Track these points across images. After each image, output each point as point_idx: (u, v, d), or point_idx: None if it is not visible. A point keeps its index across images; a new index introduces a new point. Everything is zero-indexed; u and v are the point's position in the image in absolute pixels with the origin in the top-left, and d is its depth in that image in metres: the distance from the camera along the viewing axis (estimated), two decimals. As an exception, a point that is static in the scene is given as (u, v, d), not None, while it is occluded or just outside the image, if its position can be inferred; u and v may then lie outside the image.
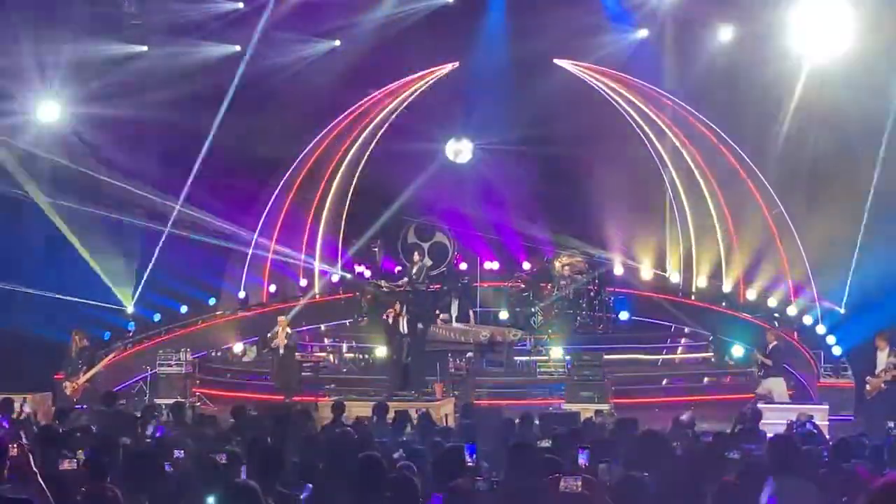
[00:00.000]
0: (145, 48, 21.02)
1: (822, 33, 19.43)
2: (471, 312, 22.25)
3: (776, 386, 17.79)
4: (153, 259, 21.27)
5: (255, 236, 23.55)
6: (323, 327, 23.65)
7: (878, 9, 18.55)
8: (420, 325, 19.36)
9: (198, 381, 20.92)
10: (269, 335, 19.85)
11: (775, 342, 18.27)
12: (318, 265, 24.35)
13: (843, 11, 19.02)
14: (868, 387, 17.32)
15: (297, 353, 19.99)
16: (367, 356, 21.96)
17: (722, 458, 9.21)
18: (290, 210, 24.10)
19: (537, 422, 14.08)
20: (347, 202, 24.74)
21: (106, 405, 14.73)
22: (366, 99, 23.90)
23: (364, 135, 24.34)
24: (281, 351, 19.31)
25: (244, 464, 8.62)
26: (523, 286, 23.24)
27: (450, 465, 7.62)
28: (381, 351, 21.40)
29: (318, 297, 24.15)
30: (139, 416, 13.78)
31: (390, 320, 18.89)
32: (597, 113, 22.88)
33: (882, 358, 17.32)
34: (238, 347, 22.58)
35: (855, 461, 9.55)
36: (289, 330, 19.48)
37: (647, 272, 23.99)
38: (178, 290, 22.47)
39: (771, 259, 22.26)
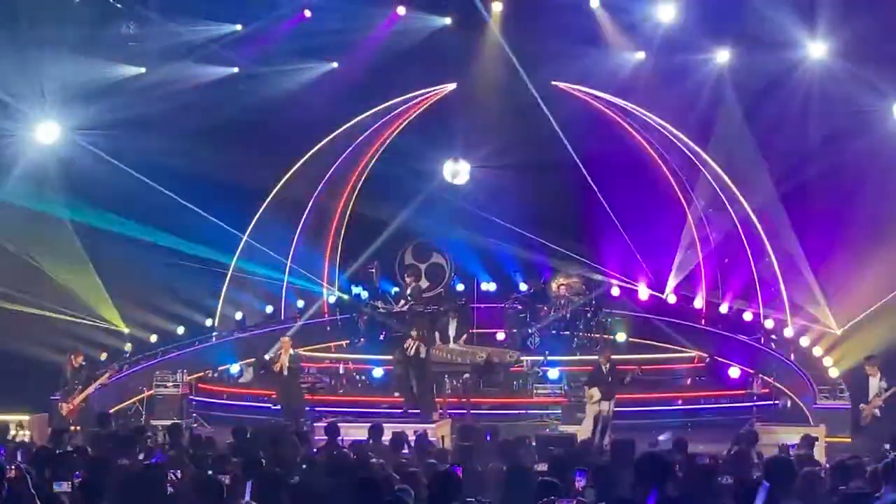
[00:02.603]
0: (143, 70, 21.09)
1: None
2: (466, 334, 22.20)
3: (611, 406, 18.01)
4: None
5: (252, 256, 23.59)
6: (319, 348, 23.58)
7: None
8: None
9: (194, 402, 20.88)
10: (267, 357, 19.79)
11: (608, 364, 18.35)
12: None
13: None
14: (863, 414, 17.51)
15: (300, 375, 19.90)
16: (363, 377, 21.92)
17: (717, 483, 9.18)
18: (287, 230, 24.09)
19: (534, 443, 14.11)
20: (345, 223, 24.73)
21: (100, 426, 14.71)
22: (363, 120, 23.92)
23: (361, 156, 24.36)
24: (284, 373, 19.16)
25: (246, 485, 8.62)
26: (520, 307, 23.22)
27: (444, 488, 7.59)
28: (377, 372, 21.43)
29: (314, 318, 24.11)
30: (128, 437, 13.69)
31: (411, 350, 18.98)
32: (594, 135, 22.93)
33: (874, 384, 17.54)
34: (235, 368, 22.53)
35: (854, 484, 9.54)
36: (292, 351, 19.39)
37: (644, 293, 24.00)
38: (175, 310, 22.48)
39: (768, 280, 22.31)
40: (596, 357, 19.36)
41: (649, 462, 7.41)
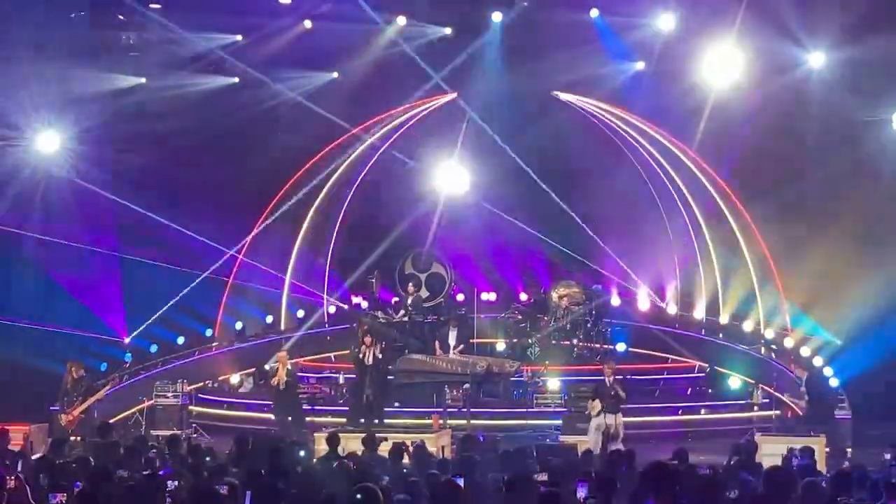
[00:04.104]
0: (143, 80, 21.12)
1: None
2: (465, 344, 22.17)
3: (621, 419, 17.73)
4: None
5: (251, 266, 23.61)
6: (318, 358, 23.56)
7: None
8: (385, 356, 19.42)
9: (194, 413, 20.86)
10: (266, 367, 19.76)
11: (612, 376, 18.01)
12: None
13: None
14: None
15: (298, 388, 19.90)
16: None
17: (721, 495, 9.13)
18: (287, 240, 24.10)
19: (535, 453, 14.07)
20: (344, 233, 24.73)
21: (101, 436, 14.69)
22: (363, 130, 23.94)
23: (361, 165, 24.38)
24: (281, 387, 19.18)
25: (245, 495, 8.59)
26: (520, 317, 23.21)
27: (447, 499, 7.59)
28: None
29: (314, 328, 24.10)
30: (129, 447, 13.66)
31: (360, 354, 18.93)
32: (594, 144, 22.97)
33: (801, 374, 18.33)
34: (235, 378, 22.52)
35: (856, 493, 9.52)
36: (289, 366, 19.39)
37: (644, 303, 23.99)
38: (175, 320, 22.48)
39: (768, 290, 22.32)
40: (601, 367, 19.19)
41: (657, 471, 7.37)
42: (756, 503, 7.68)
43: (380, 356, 19.05)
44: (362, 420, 18.52)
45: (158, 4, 21.05)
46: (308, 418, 19.32)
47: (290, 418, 19.01)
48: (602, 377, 17.98)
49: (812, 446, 14.23)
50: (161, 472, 11.50)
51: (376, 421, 18.36)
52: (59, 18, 19.63)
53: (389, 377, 19.85)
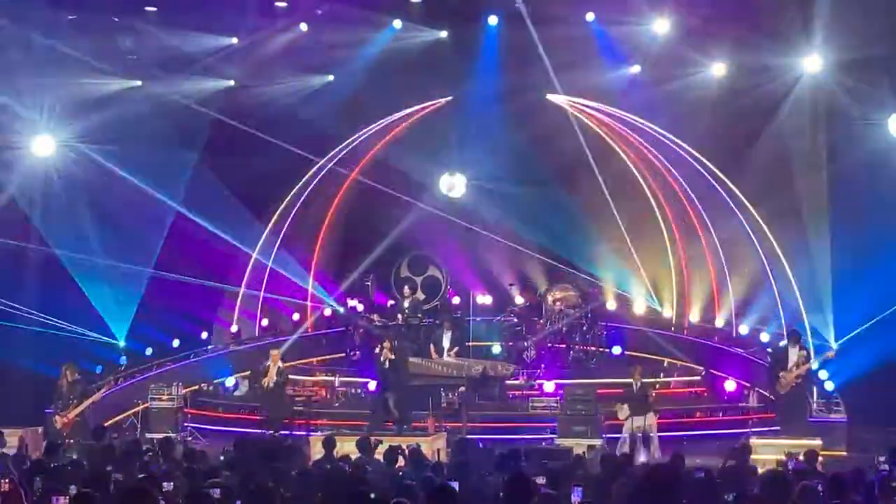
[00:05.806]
0: (140, 83, 21.12)
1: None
2: (459, 346, 22.17)
3: (652, 420, 18.04)
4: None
5: (249, 270, 23.61)
6: (315, 361, 23.55)
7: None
8: (402, 360, 19.36)
9: (189, 416, 20.83)
10: (261, 368, 19.77)
11: (640, 380, 18.46)
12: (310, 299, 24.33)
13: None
14: (782, 382, 18.14)
15: (287, 388, 19.90)
16: (359, 390, 21.88)
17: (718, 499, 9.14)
18: (283, 243, 24.09)
19: (527, 458, 14.08)
20: (341, 236, 24.72)
21: (96, 440, 14.68)
22: (359, 133, 23.94)
23: (357, 169, 24.37)
24: (270, 385, 19.18)
25: (238, 499, 8.58)
26: (516, 320, 23.22)
27: (441, 502, 7.58)
28: (373, 385, 21.39)
29: (310, 331, 24.07)
30: (124, 450, 13.66)
31: (383, 358, 18.89)
32: (590, 148, 22.97)
33: (793, 355, 18.28)
34: (230, 381, 22.50)
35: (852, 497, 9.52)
36: (280, 365, 19.38)
37: (639, 306, 23.99)
38: (171, 323, 22.46)
39: (763, 294, 22.32)
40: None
41: (654, 475, 7.36)
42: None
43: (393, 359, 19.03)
44: (386, 423, 18.46)
45: (154, 7, 21.04)
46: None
47: (272, 418, 18.96)
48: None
49: (815, 450, 14.25)
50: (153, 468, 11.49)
51: (404, 427, 18.29)
52: (54, 21, 19.59)
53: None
